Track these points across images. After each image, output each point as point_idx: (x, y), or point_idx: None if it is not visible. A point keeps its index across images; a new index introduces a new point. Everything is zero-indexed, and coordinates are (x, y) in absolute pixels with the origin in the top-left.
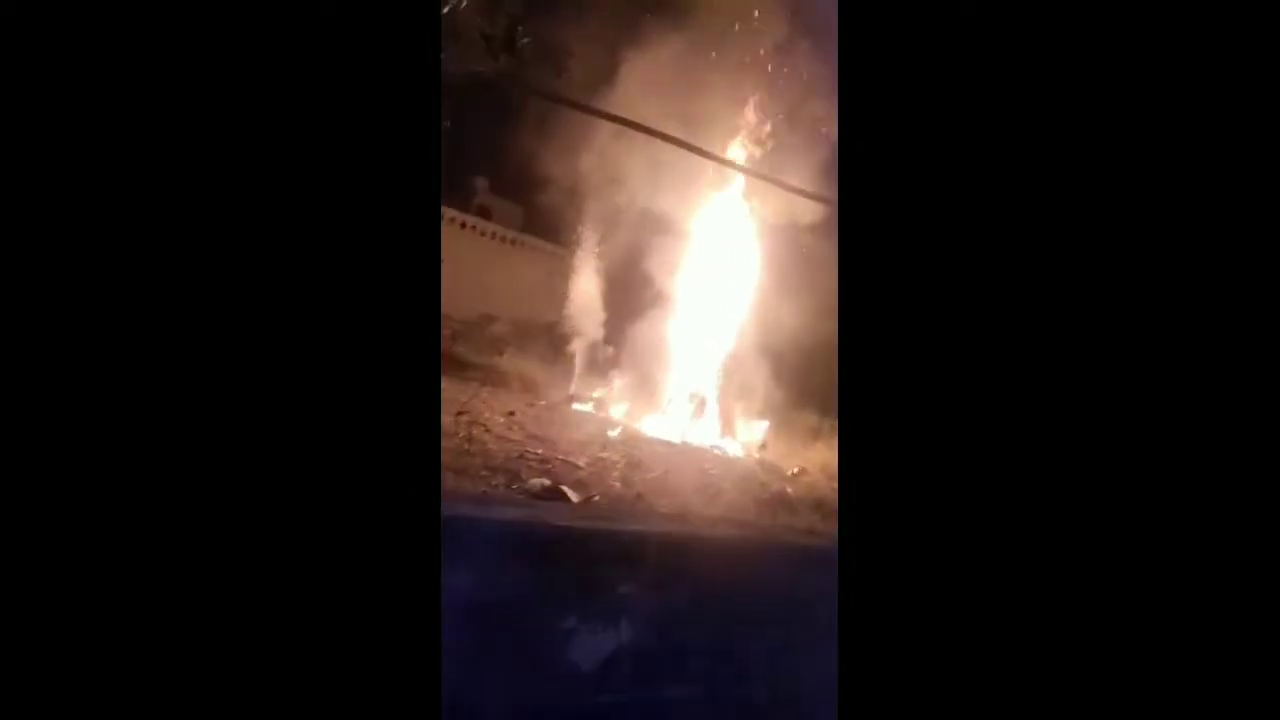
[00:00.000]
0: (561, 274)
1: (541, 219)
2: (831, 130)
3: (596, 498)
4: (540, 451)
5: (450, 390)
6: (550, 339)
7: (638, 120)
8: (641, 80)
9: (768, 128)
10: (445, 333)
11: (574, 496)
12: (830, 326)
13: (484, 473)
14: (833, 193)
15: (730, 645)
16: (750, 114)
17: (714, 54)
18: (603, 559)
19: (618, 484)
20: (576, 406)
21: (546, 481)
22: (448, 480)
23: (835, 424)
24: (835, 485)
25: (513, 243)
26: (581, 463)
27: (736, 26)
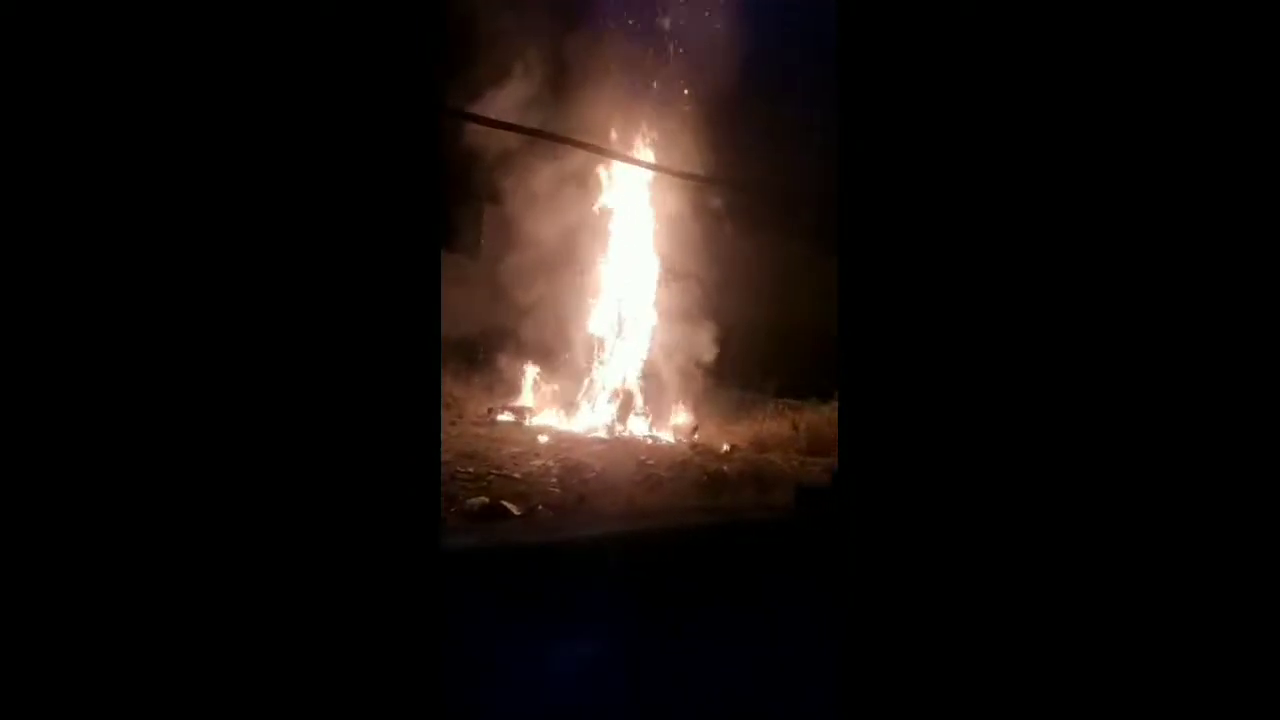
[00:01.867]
0: (463, 283)
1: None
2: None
3: (540, 508)
4: (471, 469)
5: None
6: (462, 352)
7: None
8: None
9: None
10: None
11: (515, 510)
12: (740, 299)
13: None
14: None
15: (704, 626)
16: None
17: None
18: (567, 568)
19: (557, 490)
20: (500, 418)
21: (485, 499)
22: None
23: (756, 398)
24: (768, 457)
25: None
26: (518, 474)
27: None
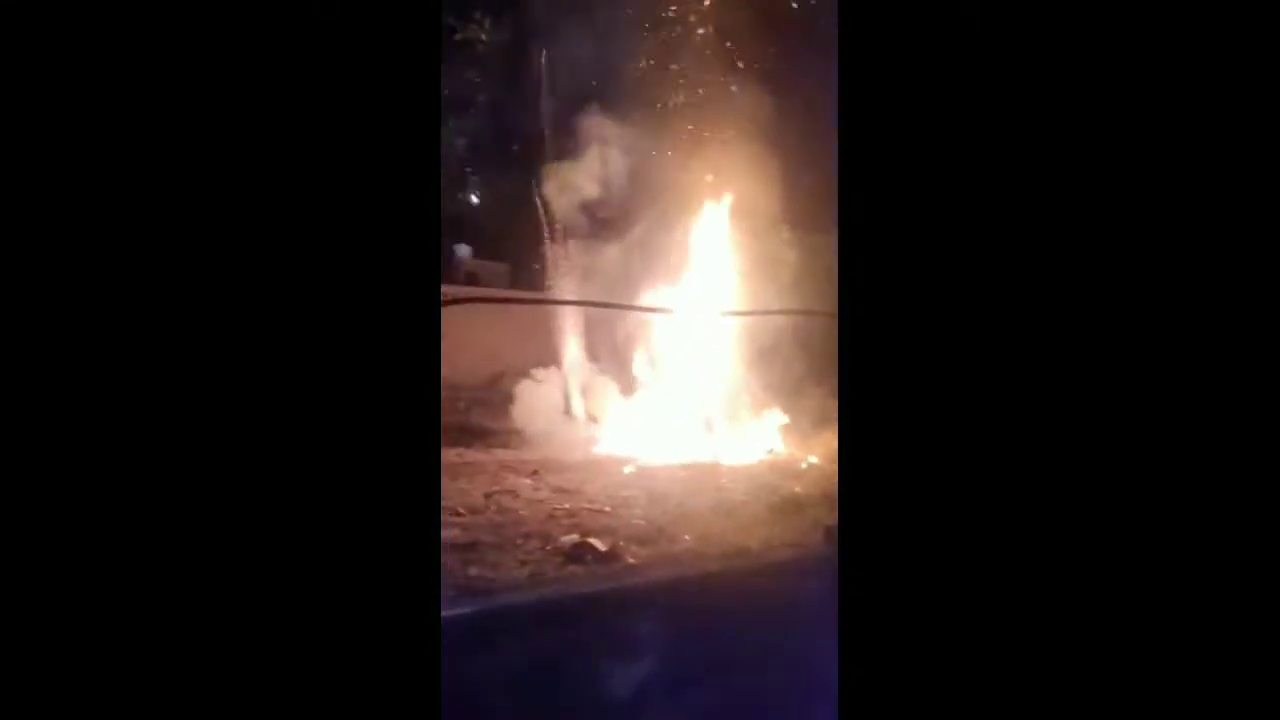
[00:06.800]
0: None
1: (528, 272)
2: None
3: (621, 543)
4: (567, 505)
5: (476, 459)
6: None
7: None
8: None
9: None
10: (460, 405)
11: (600, 545)
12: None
13: (519, 540)
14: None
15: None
16: None
17: None
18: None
19: (641, 520)
20: (595, 450)
21: (575, 536)
22: (487, 556)
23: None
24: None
25: (506, 300)
26: (607, 507)
27: None
